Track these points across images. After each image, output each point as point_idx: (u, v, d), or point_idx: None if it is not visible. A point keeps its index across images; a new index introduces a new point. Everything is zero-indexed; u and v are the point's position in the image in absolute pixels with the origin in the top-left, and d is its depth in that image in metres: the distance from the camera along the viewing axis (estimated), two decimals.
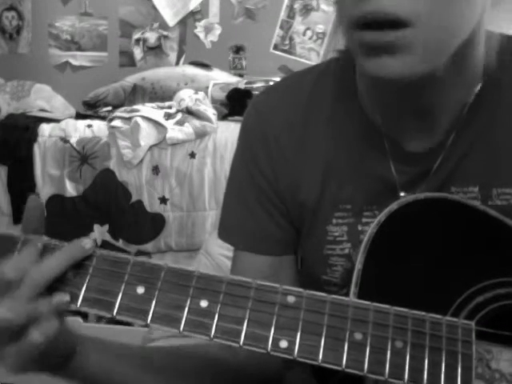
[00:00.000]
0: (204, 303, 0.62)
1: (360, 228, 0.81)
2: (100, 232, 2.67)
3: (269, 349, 0.60)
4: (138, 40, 3.40)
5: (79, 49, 3.45)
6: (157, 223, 2.66)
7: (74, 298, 0.64)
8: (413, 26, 0.63)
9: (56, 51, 3.46)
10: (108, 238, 2.68)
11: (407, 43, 0.64)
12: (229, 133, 2.59)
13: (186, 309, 0.62)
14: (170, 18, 3.33)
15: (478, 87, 0.77)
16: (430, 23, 0.64)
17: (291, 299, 0.62)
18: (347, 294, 0.66)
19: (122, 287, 0.64)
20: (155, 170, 2.62)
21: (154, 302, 0.63)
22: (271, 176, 0.85)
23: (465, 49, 0.70)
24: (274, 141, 0.84)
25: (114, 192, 2.65)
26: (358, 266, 0.67)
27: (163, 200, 2.63)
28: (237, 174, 0.89)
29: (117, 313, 0.63)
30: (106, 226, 2.67)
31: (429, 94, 0.74)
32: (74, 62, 3.46)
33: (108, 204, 2.66)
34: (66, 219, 2.68)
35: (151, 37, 3.38)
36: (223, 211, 0.91)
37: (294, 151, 0.84)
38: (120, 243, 2.67)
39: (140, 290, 0.63)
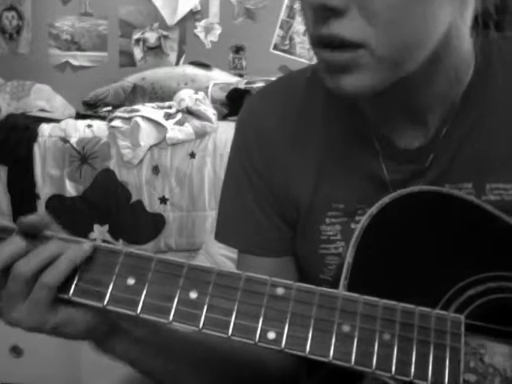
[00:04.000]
0: (193, 294, 0.63)
1: (353, 226, 0.80)
2: (100, 232, 2.67)
3: (256, 340, 0.60)
4: (138, 40, 3.40)
5: (79, 49, 3.46)
6: (157, 223, 2.66)
7: (66, 288, 0.65)
8: (364, 47, 0.65)
9: (56, 51, 3.47)
10: (108, 238, 2.68)
11: (360, 63, 0.66)
12: (229, 133, 2.57)
13: (176, 300, 0.63)
14: (169, 18, 3.33)
15: (466, 84, 0.77)
16: (381, 44, 0.65)
17: (280, 291, 0.62)
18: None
19: (113, 278, 0.64)
20: (155, 170, 2.62)
21: (144, 293, 0.63)
22: (266, 174, 0.85)
23: (437, 55, 0.70)
24: (267, 140, 0.85)
25: (113, 192, 2.65)
26: (349, 258, 0.67)
27: (163, 200, 2.63)
28: (232, 173, 0.90)
29: (107, 303, 0.64)
30: (106, 226, 2.67)
31: (409, 94, 0.75)
32: (74, 62, 3.46)
33: (108, 204, 2.66)
34: (66, 219, 2.66)
35: (151, 37, 3.38)
36: (220, 212, 0.91)
37: (286, 150, 0.84)
38: (120, 243, 2.68)
39: (130, 281, 0.64)
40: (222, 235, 0.91)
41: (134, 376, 0.97)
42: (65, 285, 0.65)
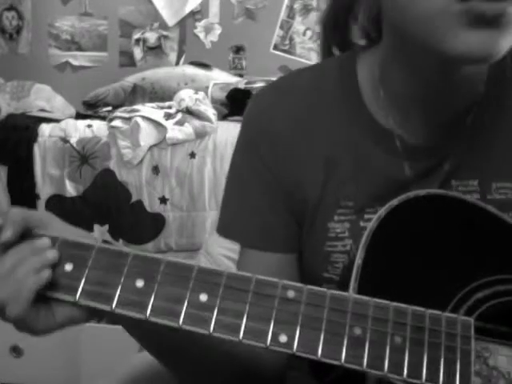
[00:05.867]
0: (203, 297, 0.61)
1: (362, 224, 0.81)
2: (100, 232, 2.67)
3: (268, 343, 0.59)
4: (137, 40, 3.40)
5: (79, 49, 3.45)
6: (157, 223, 2.66)
7: (73, 291, 0.63)
8: None
9: (56, 51, 3.47)
10: (108, 237, 2.67)
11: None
12: (229, 133, 2.59)
13: (186, 302, 0.61)
14: (169, 18, 3.33)
15: (483, 86, 0.78)
16: None
17: (291, 293, 0.61)
18: (345, 291, 0.66)
19: (121, 280, 0.63)
20: (155, 170, 2.62)
21: (153, 296, 0.62)
22: (275, 169, 0.84)
23: None
24: (277, 136, 0.84)
25: (113, 192, 2.65)
26: (358, 261, 0.67)
27: (163, 200, 2.63)
28: (239, 168, 0.89)
29: (116, 306, 0.62)
30: (106, 226, 2.67)
31: (450, 96, 0.75)
32: (74, 62, 3.46)
33: (108, 204, 2.66)
34: (66, 219, 2.66)
35: (151, 37, 3.38)
36: (223, 206, 0.90)
37: (296, 147, 0.84)
38: (120, 243, 2.67)
39: (139, 283, 0.63)
40: (225, 230, 0.90)
41: (133, 376, 0.97)
42: (71, 287, 0.63)
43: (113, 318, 0.69)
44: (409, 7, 0.67)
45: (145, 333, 0.72)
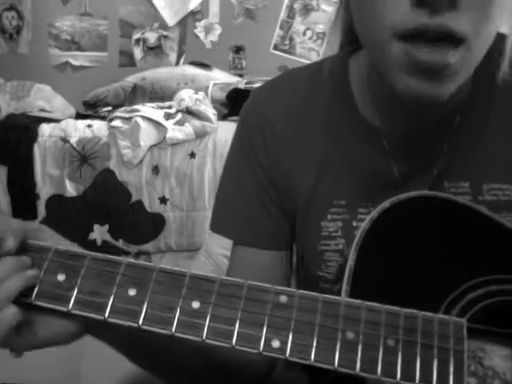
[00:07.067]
0: (196, 304, 0.62)
1: (355, 224, 0.81)
2: (100, 232, 2.67)
3: (261, 349, 0.59)
4: (138, 40, 3.40)
5: (79, 49, 3.45)
6: (157, 223, 2.66)
7: (66, 301, 0.63)
8: (465, 44, 0.62)
9: (56, 51, 3.46)
10: (108, 237, 2.68)
11: (459, 66, 0.63)
12: (229, 133, 2.59)
13: (178, 310, 0.61)
14: (170, 18, 3.33)
15: (469, 87, 0.78)
16: (478, 46, 0.63)
17: (283, 299, 0.62)
18: (340, 290, 0.66)
19: (114, 289, 0.63)
20: (155, 169, 2.62)
21: (145, 304, 0.62)
22: (267, 166, 0.85)
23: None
24: (270, 132, 0.85)
25: (113, 192, 2.65)
26: (350, 263, 0.67)
27: (163, 200, 2.63)
28: (233, 164, 0.90)
29: (109, 315, 0.62)
30: (106, 226, 2.67)
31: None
32: (74, 62, 3.46)
33: (108, 204, 2.66)
34: (66, 219, 2.68)
35: (151, 37, 3.38)
36: (217, 201, 0.91)
37: (289, 144, 0.85)
38: (120, 243, 2.68)
39: (132, 291, 0.63)
40: (218, 225, 0.91)
41: (134, 377, 0.98)
42: (64, 297, 0.63)
43: (97, 335, 0.69)
44: (364, 33, 0.69)
45: (129, 343, 0.72)
